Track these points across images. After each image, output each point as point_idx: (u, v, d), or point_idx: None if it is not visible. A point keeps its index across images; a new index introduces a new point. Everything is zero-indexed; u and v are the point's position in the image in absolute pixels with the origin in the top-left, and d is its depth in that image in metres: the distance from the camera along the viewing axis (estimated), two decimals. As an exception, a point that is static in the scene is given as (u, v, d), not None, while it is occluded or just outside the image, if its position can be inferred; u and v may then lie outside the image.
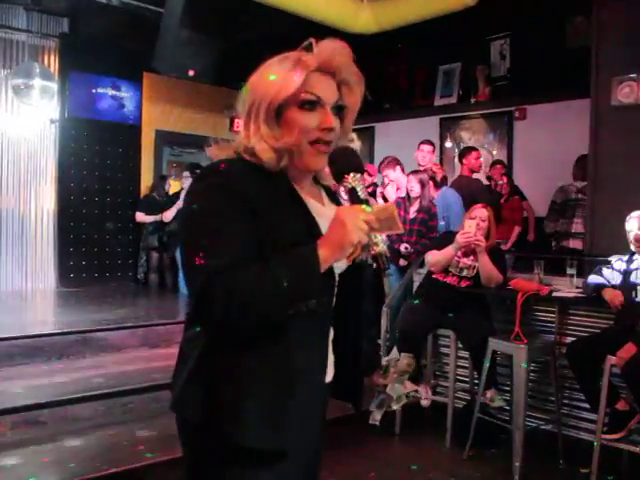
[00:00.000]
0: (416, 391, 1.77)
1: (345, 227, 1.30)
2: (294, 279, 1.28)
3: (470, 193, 5.95)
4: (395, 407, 1.70)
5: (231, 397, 1.34)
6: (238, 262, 1.28)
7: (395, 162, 6.15)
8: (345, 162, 1.43)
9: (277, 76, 1.41)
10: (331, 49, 1.44)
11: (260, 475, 1.38)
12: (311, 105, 1.41)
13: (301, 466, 1.50)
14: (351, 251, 1.33)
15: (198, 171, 1.45)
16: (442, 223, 5.51)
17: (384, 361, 1.72)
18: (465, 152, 6.69)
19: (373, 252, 1.36)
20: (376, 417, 1.70)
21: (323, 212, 1.47)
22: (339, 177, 1.43)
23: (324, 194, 1.59)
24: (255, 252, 1.32)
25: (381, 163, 6.31)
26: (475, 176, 6.69)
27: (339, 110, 1.46)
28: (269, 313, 1.30)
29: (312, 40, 1.46)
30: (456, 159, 7.94)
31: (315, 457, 1.63)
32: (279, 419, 1.36)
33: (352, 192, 1.40)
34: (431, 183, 5.73)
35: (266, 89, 1.41)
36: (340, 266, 1.48)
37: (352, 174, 1.41)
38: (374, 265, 1.39)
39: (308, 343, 1.43)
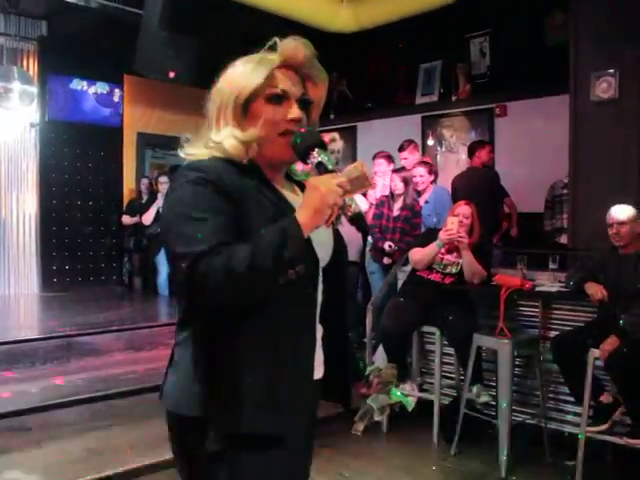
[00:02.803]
0: (400, 402, 1.76)
1: (319, 191, 1.33)
2: (279, 246, 1.28)
3: (482, 184, 5.93)
4: (378, 418, 1.70)
5: (228, 388, 1.38)
6: (224, 243, 1.30)
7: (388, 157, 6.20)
8: (307, 140, 1.44)
9: (243, 73, 1.48)
10: (294, 46, 1.50)
11: (256, 463, 1.41)
12: (277, 99, 1.47)
13: (294, 457, 1.53)
14: (329, 214, 1.34)
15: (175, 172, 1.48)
16: (435, 220, 5.51)
17: (367, 370, 1.73)
18: (477, 146, 6.57)
19: (350, 213, 1.37)
20: (358, 428, 1.70)
21: (298, 201, 1.48)
22: (304, 156, 1.44)
23: (298, 189, 1.62)
24: (236, 238, 1.33)
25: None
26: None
27: (305, 104, 1.51)
28: (259, 283, 1.31)
29: (276, 39, 1.51)
30: (439, 157, 7.99)
31: (307, 452, 1.66)
32: (273, 403, 1.40)
33: (320, 166, 1.41)
34: (425, 172, 5.77)
35: (233, 86, 1.47)
36: (323, 258, 1.52)
37: (317, 149, 1.42)
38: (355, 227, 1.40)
39: (296, 334, 1.45)
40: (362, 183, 1.37)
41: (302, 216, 1.32)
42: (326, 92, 1.59)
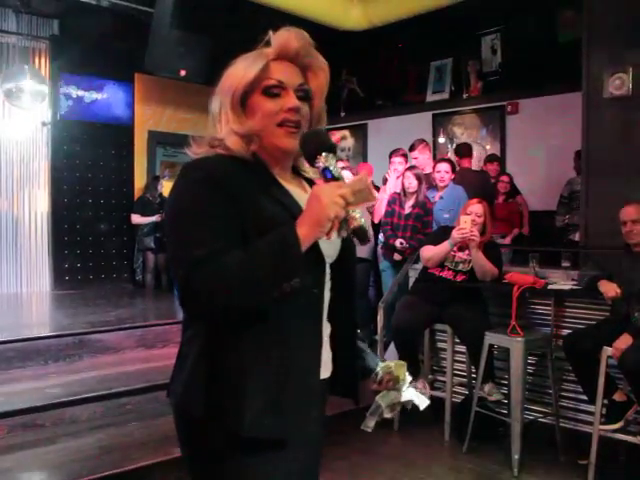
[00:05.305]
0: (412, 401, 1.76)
1: (321, 202, 1.29)
2: (275, 260, 1.28)
3: (478, 187, 5.94)
4: (388, 415, 1.69)
5: (231, 389, 1.36)
6: (221, 251, 1.30)
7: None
8: (315, 142, 1.42)
9: (239, 69, 1.47)
10: (286, 36, 1.49)
11: (260, 465, 1.40)
12: (274, 90, 1.46)
13: (301, 459, 1.51)
14: (329, 227, 1.31)
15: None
16: (446, 216, 5.50)
17: (378, 367, 1.72)
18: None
19: (352, 226, 1.34)
20: (368, 424, 1.69)
21: (304, 198, 1.45)
22: (311, 158, 1.41)
23: (305, 184, 1.60)
24: (239, 241, 1.33)
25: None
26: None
27: (304, 94, 1.50)
28: (253, 296, 1.31)
29: (270, 32, 1.50)
30: (449, 155, 7.96)
31: (315, 453, 1.63)
32: (277, 406, 1.37)
33: (325, 171, 1.38)
34: (449, 169, 5.78)
35: (230, 82, 1.47)
36: (331, 255, 1.51)
37: (324, 154, 1.39)
38: (354, 239, 1.38)
39: (301, 333, 1.43)
40: (365, 196, 1.34)
41: (302, 228, 1.30)
42: (328, 80, 1.56)
